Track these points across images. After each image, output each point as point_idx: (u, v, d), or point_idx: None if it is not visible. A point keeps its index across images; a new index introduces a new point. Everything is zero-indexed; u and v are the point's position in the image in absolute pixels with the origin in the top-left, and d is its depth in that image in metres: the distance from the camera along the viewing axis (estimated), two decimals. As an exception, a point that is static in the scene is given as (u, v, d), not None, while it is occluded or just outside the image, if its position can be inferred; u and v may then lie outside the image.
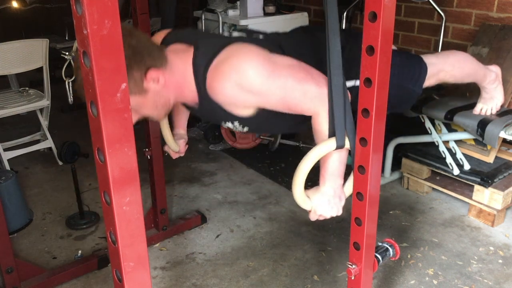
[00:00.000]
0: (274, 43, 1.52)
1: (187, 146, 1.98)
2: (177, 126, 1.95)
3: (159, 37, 1.58)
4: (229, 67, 1.33)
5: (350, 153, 1.30)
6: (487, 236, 2.45)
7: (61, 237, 2.54)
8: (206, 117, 1.60)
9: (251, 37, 1.57)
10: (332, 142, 1.26)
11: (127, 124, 0.78)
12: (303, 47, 1.59)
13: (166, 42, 1.54)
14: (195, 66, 1.41)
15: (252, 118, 1.45)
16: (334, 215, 1.40)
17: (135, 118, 1.40)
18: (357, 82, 1.39)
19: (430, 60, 1.86)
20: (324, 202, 1.37)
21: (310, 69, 1.40)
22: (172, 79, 1.42)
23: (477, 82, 2.23)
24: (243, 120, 1.47)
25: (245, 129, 1.52)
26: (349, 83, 1.44)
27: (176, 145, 1.90)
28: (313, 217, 1.42)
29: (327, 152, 1.28)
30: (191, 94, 1.45)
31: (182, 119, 1.95)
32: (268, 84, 1.33)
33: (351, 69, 1.30)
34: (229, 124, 1.50)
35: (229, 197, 2.90)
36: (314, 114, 1.35)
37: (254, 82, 1.32)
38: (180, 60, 1.43)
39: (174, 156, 1.96)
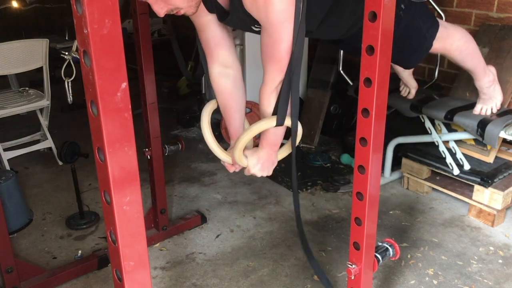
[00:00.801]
0: None
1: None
2: (233, 137, 1.74)
3: None
4: None
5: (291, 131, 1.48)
6: (487, 236, 2.45)
7: (61, 237, 2.54)
8: (236, 23, 1.53)
9: None
10: (273, 120, 1.43)
11: (127, 124, 0.78)
12: None
13: None
14: None
15: None
16: (265, 175, 1.60)
17: (164, 10, 1.34)
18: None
19: (442, 22, 1.96)
20: (258, 163, 1.57)
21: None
22: None
23: (477, 75, 2.25)
24: None
25: None
26: None
27: (226, 156, 1.67)
28: (246, 173, 1.62)
29: (268, 128, 1.46)
30: None
31: (236, 129, 1.73)
32: (278, 24, 1.31)
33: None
34: (254, 28, 1.48)
35: (229, 197, 2.90)
36: (273, 78, 1.39)
37: (273, 13, 1.29)
38: None
39: (230, 169, 1.72)
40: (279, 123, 1.43)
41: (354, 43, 1.66)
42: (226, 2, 1.44)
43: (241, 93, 1.69)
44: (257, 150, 1.59)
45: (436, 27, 1.92)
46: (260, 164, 1.58)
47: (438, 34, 1.92)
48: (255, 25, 1.46)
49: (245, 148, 1.59)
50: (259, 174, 1.60)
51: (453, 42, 2.02)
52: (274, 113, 1.44)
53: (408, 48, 1.92)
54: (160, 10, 1.34)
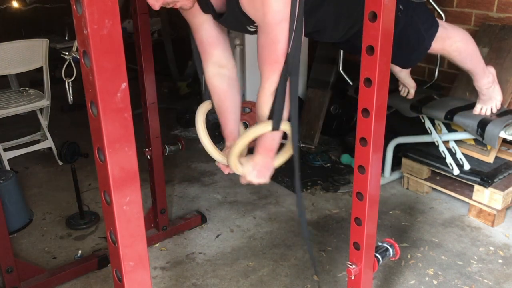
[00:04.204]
0: None
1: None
2: (227, 138, 1.70)
3: None
4: None
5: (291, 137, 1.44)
6: (487, 236, 2.45)
7: (61, 237, 2.54)
8: (232, 23, 1.52)
9: None
10: (268, 125, 1.40)
11: (127, 124, 0.78)
12: None
13: None
14: None
15: None
16: (262, 182, 1.54)
17: (160, 2, 1.32)
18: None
19: (442, 23, 1.96)
20: (253, 170, 1.51)
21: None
22: None
23: (476, 75, 2.25)
24: None
25: None
26: None
27: (222, 157, 1.63)
28: (242, 181, 1.56)
29: (263, 132, 1.43)
30: None
31: (231, 130, 1.70)
32: (275, 24, 1.29)
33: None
34: (252, 29, 1.46)
35: (229, 197, 2.90)
36: (270, 81, 1.36)
37: (270, 13, 1.28)
38: None
39: (225, 170, 1.65)
40: (275, 127, 1.40)
41: (354, 41, 1.67)
42: (222, 3, 1.43)
43: (235, 93, 1.67)
44: (252, 156, 1.53)
45: (435, 28, 1.91)
46: (256, 171, 1.52)
47: (437, 35, 1.92)
48: (251, 25, 1.45)
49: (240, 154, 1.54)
50: (255, 181, 1.54)
51: (453, 43, 2.02)
52: (270, 117, 1.41)
53: (406, 49, 1.91)
54: (155, 2, 1.32)
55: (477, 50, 2.16)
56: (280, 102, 1.37)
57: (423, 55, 1.99)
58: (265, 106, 1.41)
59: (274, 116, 1.38)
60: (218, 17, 1.48)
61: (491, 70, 2.31)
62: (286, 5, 1.28)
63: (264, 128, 1.41)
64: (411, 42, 1.90)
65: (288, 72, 1.33)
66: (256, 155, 1.51)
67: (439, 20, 1.97)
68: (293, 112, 1.41)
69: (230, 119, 1.68)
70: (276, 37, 1.31)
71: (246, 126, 3.55)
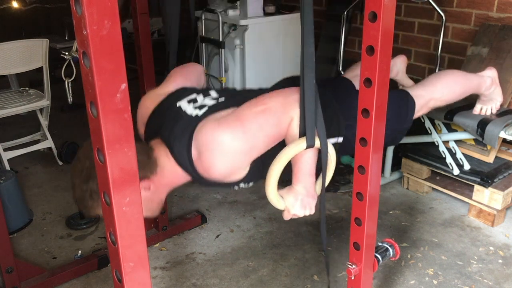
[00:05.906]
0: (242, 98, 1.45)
1: None
2: None
3: (146, 104, 1.56)
4: (210, 151, 1.32)
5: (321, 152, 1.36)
6: (487, 236, 2.45)
7: (61, 237, 2.54)
8: (212, 187, 1.61)
9: (217, 105, 1.46)
10: (303, 142, 1.29)
11: (127, 125, 0.78)
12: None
13: (148, 130, 1.51)
14: (181, 165, 1.39)
15: (249, 173, 1.43)
16: (307, 214, 1.42)
17: None
18: (340, 139, 1.53)
19: (417, 93, 1.87)
20: (297, 202, 1.39)
21: (273, 92, 1.41)
22: (164, 179, 1.40)
23: (474, 92, 2.22)
24: (245, 179, 1.45)
25: (251, 183, 1.51)
26: (332, 140, 1.51)
27: None
28: (287, 216, 1.43)
29: (298, 151, 1.31)
30: (186, 180, 1.46)
31: None
32: (247, 138, 1.32)
33: (331, 127, 1.40)
34: (236, 187, 1.50)
35: (229, 197, 2.90)
36: (291, 120, 1.35)
37: (237, 146, 1.32)
38: (167, 159, 1.40)
39: None
40: (310, 143, 1.28)
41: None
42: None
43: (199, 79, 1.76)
44: (291, 187, 1.40)
45: (411, 111, 1.82)
46: (300, 201, 1.38)
47: (417, 108, 1.83)
48: (233, 186, 1.50)
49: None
50: (301, 214, 1.41)
51: (436, 100, 1.92)
52: (302, 134, 1.30)
53: (391, 142, 1.93)
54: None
55: (463, 81, 2.05)
56: (311, 115, 1.26)
57: (408, 128, 1.90)
58: (296, 128, 1.33)
59: (307, 131, 1.27)
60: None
61: (489, 73, 2.22)
62: (231, 126, 1.31)
63: (298, 146, 1.29)
64: (396, 138, 1.88)
65: (303, 74, 1.23)
66: (295, 184, 1.39)
67: (414, 90, 1.87)
68: (319, 124, 1.31)
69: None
70: (264, 124, 1.33)
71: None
